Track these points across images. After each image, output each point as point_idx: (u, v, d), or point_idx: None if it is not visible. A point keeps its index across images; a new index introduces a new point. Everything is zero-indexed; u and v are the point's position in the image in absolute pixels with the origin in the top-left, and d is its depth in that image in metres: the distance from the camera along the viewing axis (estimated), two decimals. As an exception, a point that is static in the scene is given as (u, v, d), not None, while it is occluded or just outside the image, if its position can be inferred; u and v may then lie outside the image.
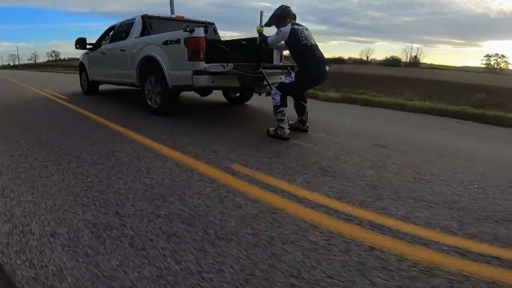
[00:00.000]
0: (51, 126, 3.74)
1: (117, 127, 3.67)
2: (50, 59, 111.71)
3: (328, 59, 3.65)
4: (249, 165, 2.40)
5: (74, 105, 5.36)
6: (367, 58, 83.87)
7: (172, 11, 10.43)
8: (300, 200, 1.82)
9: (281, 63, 4.79)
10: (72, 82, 9.91)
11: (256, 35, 3.72)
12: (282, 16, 3.35)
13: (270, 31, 3.71)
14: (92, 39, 6.77)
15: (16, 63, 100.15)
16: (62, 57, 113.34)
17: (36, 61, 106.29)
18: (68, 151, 2.71)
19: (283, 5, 3.40)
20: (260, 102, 5.37)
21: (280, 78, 4.65)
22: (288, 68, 4.23)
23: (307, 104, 3.63)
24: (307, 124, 3.63)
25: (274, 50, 4.64)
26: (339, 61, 66.43)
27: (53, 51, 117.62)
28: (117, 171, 2.23)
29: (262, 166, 2.39)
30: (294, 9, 3.35)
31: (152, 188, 1.93)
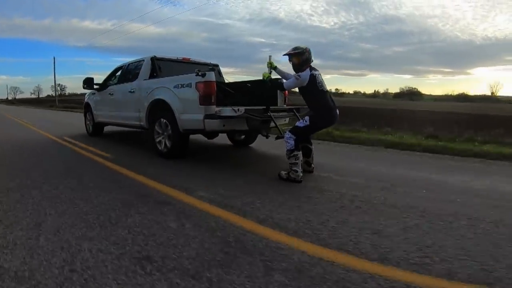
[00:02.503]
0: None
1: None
2: (54, 93, 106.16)
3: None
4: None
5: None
6: (494, 93, 73.09)
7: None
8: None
9: (285, 104, 4.96)
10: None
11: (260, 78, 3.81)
12: (308, 59, 3.39)
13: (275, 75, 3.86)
14: (89, 74, 6.89)
15: (19, 96, 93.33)
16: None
17: (40, 96, 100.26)
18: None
19: (307, 48, 3.39)
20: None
21: (285, 120, 4.80)
22: (293, 110, 4.37)
23: (312, 146, 3.74)
24: (313, 165, 3.71)
25: (278, 92, 4.80)
26: (461, 98, 56.88)
27: (58, 85, 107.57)
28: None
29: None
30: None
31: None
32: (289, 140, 3.32)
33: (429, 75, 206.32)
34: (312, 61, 3.45)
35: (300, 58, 3.37)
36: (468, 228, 2.14)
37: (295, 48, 3.39)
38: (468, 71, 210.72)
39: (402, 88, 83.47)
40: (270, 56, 3.91)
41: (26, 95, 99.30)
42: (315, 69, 3.41)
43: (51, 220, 2.13)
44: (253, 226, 2.12)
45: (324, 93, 3.38)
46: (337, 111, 3.46)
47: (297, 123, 3.46)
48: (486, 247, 1.84)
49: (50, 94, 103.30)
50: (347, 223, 2.20)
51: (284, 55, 3.46)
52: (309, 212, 2.39)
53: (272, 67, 3.79)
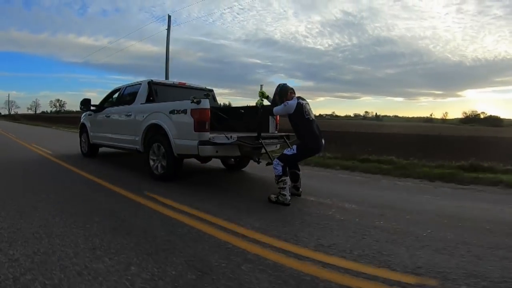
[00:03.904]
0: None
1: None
2: (52, 109, 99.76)
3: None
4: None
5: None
6: None
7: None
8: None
9: (276, 131, 5.17)
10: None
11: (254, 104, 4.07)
12: (283, 92, 3.75)
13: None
14: (83, 91, 6.90)
15: (14, 111, 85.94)
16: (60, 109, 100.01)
17: (37, 111, 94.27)
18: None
19: (280, 84, 3.82)
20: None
21: (276, 146, 4.98)
22: (284, 137, 4.57)
23: (300, 172, 3.92)
24: (301, 189, 3.89)
25: (270, 119, 5.02)
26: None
27: (58, 100, 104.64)
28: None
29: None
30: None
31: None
32: (277, 166, 3.52)
33: (421, 97, 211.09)
34: (291, 89, 3.75)
35: (278, 96, 3.78)
36: None
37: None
38: (459, 93, 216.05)
39: (465, 113, 79.26)
40: (261, 85, 4.16)
41: (23, 110, 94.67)
42: (302, 99, 3.69)
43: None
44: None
45: (311, 122, 3.61)
46: (323, 140, 3.68)
47: (285, 151, 3.66)
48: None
49: (45, 110, 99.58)
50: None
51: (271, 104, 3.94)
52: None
53: (264, 96, 4.04)
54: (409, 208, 3.50)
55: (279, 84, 3.83)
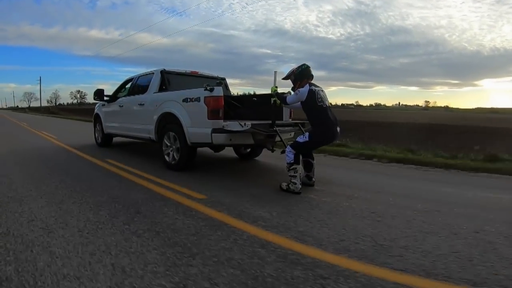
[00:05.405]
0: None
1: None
2: (73, 101, 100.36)
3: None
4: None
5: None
6: None
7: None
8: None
9: (290, 119, 5.06)
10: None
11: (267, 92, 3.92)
12: (301, 75, 3.60)
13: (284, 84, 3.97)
14: (95, 84, 6.90)
15: (33, 104, 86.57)
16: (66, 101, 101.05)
17: (57, 102, 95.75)
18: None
19: (304, 65, 3.63)
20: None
21: (290, 134, 4.88)
22: (299, 125, 4.47)
23: (314, 161, 3.82)
24: (314, 179, 3.78)
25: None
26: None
27: (78, 91, 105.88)
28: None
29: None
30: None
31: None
32: (289, 154, 3.45)
33: (436, 86, 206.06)
34: (312, 77, 3.61)
35: (293, 75, 3.64)
36: None
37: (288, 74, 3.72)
38: (476, 82, 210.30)
39: None
40: (275, 72, 4.05)
41: (43, 102, 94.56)
42: (316, 86, 3.55)
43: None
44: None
45: (324, 109, 3.47)
46: (338, 128, 3.55)
47: (298, 138, 3.57)
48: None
49: (62, 102, 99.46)
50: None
51: (283, 78, 3.78)
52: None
53: (275, 91, 3.97)
54: None
55: (304, 64, 3.64)
